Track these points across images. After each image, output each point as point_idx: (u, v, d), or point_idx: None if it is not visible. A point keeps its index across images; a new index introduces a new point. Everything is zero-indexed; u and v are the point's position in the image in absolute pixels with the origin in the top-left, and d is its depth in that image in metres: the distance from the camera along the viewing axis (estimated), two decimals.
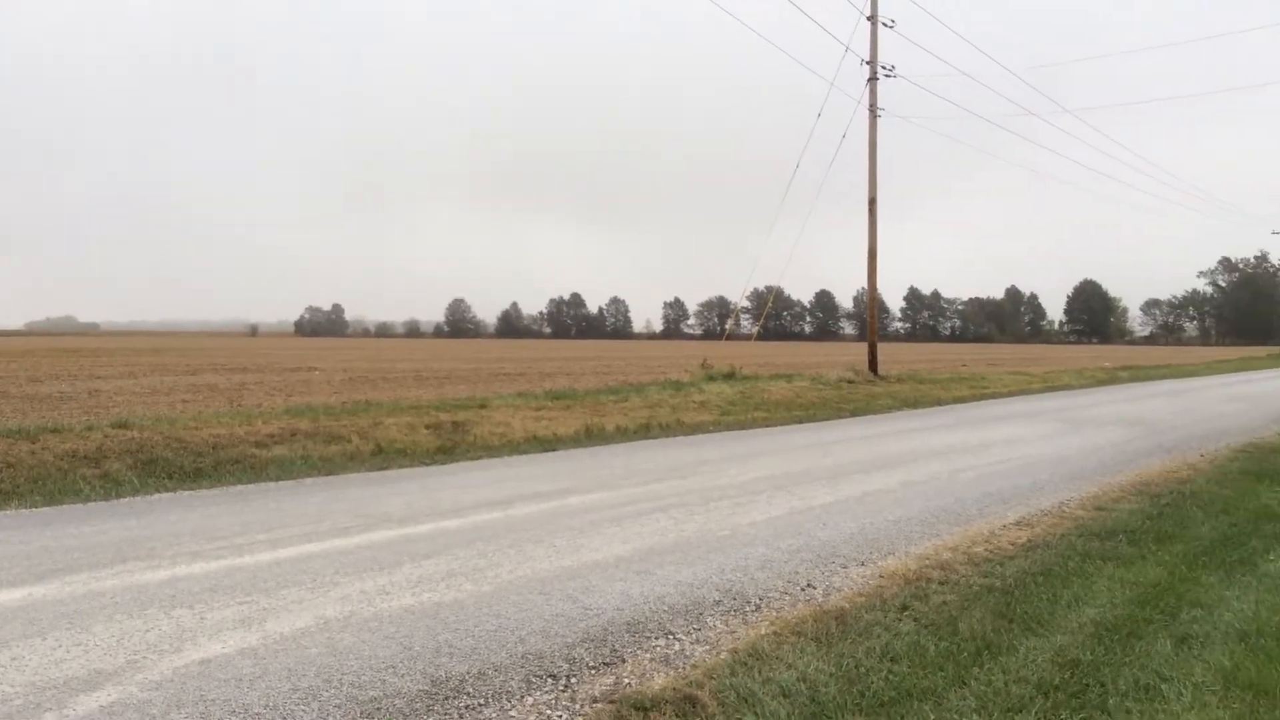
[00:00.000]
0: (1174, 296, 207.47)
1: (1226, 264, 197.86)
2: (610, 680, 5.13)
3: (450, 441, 14.85)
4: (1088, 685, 5.01)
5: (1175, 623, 6.13)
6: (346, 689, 4.88)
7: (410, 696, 4.82)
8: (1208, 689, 4.93)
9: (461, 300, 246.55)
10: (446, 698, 4.82)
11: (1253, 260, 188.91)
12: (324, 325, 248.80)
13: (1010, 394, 29.16)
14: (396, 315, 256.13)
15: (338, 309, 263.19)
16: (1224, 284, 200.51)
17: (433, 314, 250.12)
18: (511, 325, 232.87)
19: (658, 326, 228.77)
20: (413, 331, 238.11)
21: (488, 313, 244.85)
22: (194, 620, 5.92)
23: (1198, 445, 15.33)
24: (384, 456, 13.49)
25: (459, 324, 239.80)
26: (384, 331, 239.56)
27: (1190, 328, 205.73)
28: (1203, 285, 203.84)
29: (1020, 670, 5.19)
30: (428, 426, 15.61)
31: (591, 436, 16.31)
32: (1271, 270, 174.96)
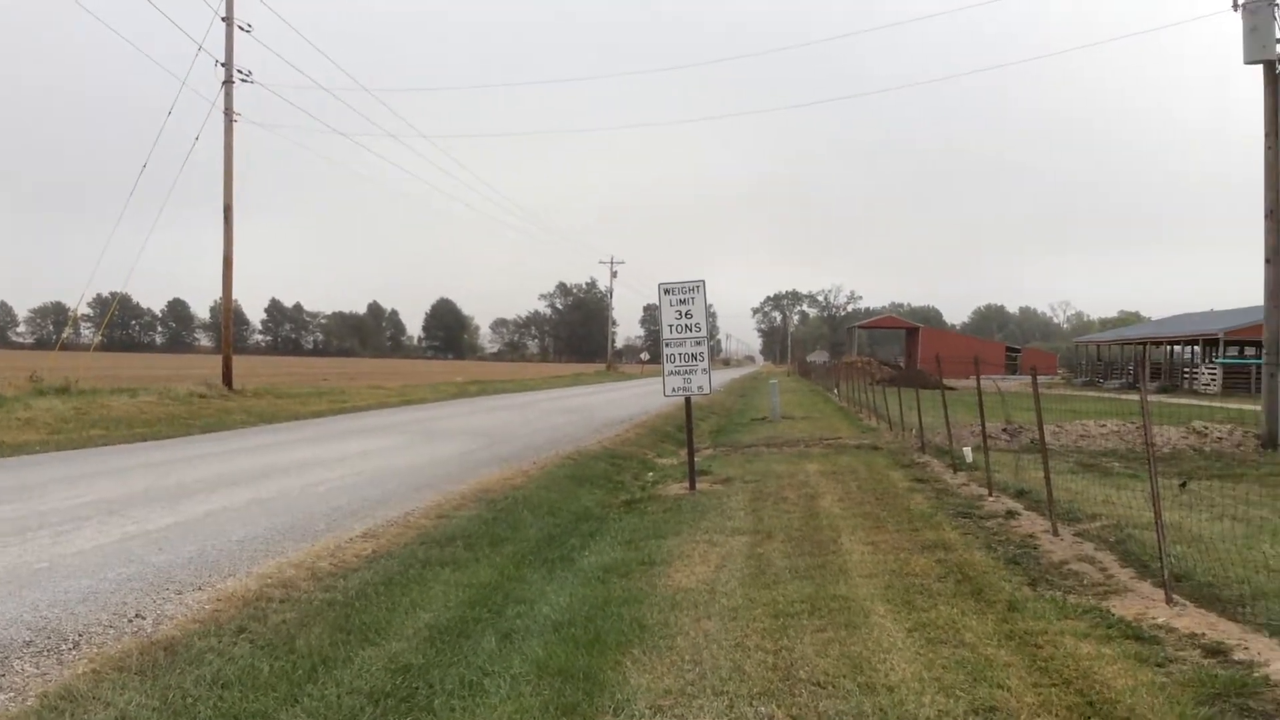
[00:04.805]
0: (519, 316, 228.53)
1: (563, 288, 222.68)
2: None
3: None
4: (417, 688, 5.21)
5: (501, 619, 6.63)
6: None
7: None
8: (524, 679, 5.36)
9: None
10: None
11: (584, 286, 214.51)
12: None
13: (369, 408, 29.69)
14: None
15: None
16: (561, 306, 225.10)
17: None
18: None
19: None
20: None
21: None
22: None
23: (533, 454, 16.82)
24: None
25: None
26: None
27: (533, 345, 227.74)
28: (543, 307, 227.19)
29: (354, 681, 5.25)
30: None
31: None
32: (599, 295, 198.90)
